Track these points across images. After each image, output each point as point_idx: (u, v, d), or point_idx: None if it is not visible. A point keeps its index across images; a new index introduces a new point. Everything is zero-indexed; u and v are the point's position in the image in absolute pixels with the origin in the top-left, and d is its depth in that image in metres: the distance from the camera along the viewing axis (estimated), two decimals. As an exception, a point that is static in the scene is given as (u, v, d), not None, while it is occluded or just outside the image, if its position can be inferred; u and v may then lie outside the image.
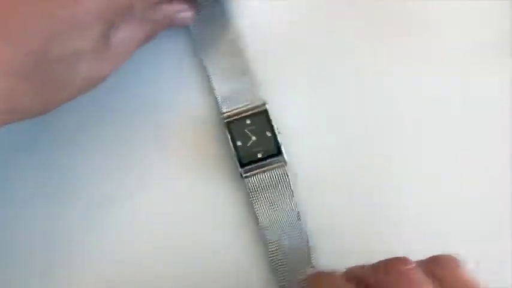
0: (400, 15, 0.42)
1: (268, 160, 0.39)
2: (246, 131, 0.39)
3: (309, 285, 0.37)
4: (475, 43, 0.41)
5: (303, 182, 0.40)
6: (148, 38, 0.38)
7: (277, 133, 0.39)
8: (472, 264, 0.31)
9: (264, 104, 0.39)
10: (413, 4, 0.41)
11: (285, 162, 0.39)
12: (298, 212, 0.39)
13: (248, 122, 0.39)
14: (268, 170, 0.39)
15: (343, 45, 0.41)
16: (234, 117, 0.39)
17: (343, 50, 0.41)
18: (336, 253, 0.39)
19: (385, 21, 0.42)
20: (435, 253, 0.32)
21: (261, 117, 0.39)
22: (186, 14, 0.40)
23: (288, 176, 0.39)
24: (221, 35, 0.41)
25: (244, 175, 0.39)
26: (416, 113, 0.41)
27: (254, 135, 0.39)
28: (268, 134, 0.39)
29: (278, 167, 0.39)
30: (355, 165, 0.40)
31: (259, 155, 0.39)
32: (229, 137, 0.39)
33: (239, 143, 0.39)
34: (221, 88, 0.40)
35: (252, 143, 0.39)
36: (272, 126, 0.39)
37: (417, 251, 0.31)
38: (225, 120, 0.39)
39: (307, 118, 0.41)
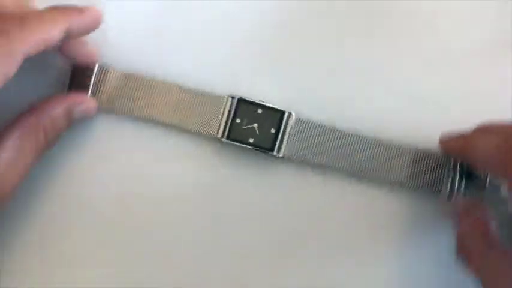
0: (399, 15, 0.41)
1: (282, 126, 0.39)
2: (244, 128, 0.39)
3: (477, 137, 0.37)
4: (475, 43, 0.41)
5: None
6: (44, 147, 0.36)
7: (263, 103, 0.39)
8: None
9: (230, 97, 0.39)
10: (412, 4, 0.41)
11: (290, 113, 0.39)
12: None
13: (238, 121, 0.39)
14: (288, 133, 0.39)
15: (339, 43, 0.41)
16: (228, 130, 0.38)
17: (338, 48, 0.41)
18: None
19: (384, 21, 0.41)
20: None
21: (242, 106, 0.38)
22: (88, 104, 0.38)
23: (303, 120, 0.39)
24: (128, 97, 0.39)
25: (282, 155, 0.39)
26: (416, 113, 0.40)
27: (253, 123, 0.38)
28: (260, 110, 0.39)
29: (291, 122, 0.39)
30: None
31: (273, 130, 0.39)
32: (243, 145, 0.38)
33: (252, 140, 0.38)
34: (192, 125, 0.39)
35: (259, 130, 0.38)
36: (255, 103, 0.39)
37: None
38: (225, 140, 0.38)
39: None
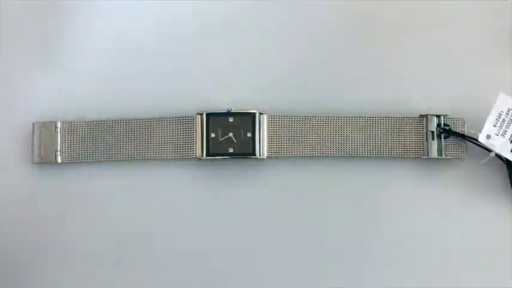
0: (400, 15, 0.41)
1: (257, 128, 0.38)
2: (221, 140, 0.38)
3: None
4: (475, 43, 0.41)
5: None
6: None
7: (231, 110, 0.39)
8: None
9: (198, 114, 0.39)
10: (413, 4, 0.41)
11: (261, 113, 0.39)
12: None
13: (213, 135, 0.38)
14: (266, 132, 0.39)
15: (343, 44, 0.41)
16: (206, 147, 0.38)
17: (342, 49, 0.41)
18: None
19: (385, 21, 0.41)
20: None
21: (212, 120, 0.38)
22: None
23: (277, 116, 0.39)
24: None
25: (265, 156, 0.39)
26: (416, 113, 0.40)
27: (228, 133, 0.38)
28: (231, 119, 0.38)
29: (265, 121, 0.39)
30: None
31: (249, 134, 0.38)
32: (225, 157, 0.38)
33: (232, 150, 0.38)
34: (169, 153, 0.39)
35: (236, 138, 0.38)
36: (223, 113, 0.38)
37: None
38: (205, 158, 0.38)
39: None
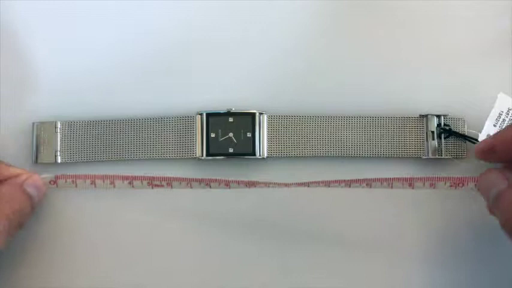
0: (400, 14, 0.41)
1: (257, 128, 0.39)
2: (220, 140, 0.38)
3: None
4: (475, 43, 0.41)
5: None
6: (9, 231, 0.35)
7: (231, 110, 0.39)
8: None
9: (198, 114, 0.39)
10: (413, 4, 0.41)
11: (261, 113, 0.39)
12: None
13: (213, 135, 0.38)
14: (266, 132, 0.39)
15: (343, 43, 0.41)
16: (206, 147, 0.38)
17: (341, 48, 0.41)
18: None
19: (386, 20, 0.41)
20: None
21: (212, 120, 0.38)
22: (33, 177, 0.37)
23: (277, 116, 0.39)
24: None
25: (265, 156, 0.39)
26: (416, 113, 0.40)
27: (228, 133, 0.38)
28: (231, 119, 0.39)
29: (265, 121, 0.39)
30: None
31: (249, 134, 0.39)
32: (224, 157, 0.39)
33: (231, 150, 0.38)
34: (169, 153, 0.39)
35: (236, 138, 0.38)
36: (223, 113, 0.39)
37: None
38: (205, 158, 0.39)
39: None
